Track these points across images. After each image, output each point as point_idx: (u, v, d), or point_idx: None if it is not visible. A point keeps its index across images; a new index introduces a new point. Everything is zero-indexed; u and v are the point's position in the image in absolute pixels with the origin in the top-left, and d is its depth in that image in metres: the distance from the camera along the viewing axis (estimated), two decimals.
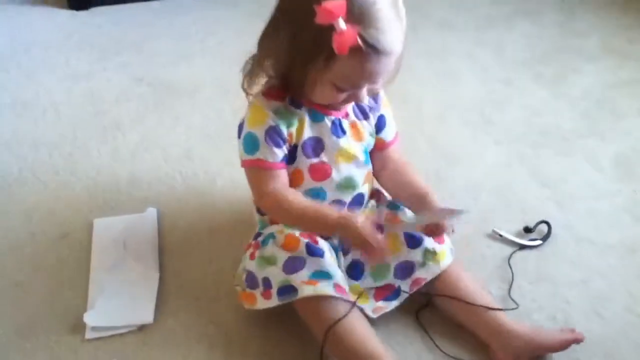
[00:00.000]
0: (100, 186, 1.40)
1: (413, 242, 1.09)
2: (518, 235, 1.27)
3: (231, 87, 1.74)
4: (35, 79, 1.79)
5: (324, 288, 0.99)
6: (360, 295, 1.06)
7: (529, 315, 1.11)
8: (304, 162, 1.05)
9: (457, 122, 1.63)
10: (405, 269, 1.09)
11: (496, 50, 1.96)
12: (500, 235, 1.26)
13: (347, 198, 1.10)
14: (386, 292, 1.09)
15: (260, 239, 1.09)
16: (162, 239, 1.26)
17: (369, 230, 0.96)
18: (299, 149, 1.04)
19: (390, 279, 1.10)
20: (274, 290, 1.01)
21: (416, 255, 1.09)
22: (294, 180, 1.07)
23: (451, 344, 1.06)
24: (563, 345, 1.02)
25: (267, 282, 1.03)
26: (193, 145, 1.54)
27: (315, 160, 1.06)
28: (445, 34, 2.05)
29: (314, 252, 1.02)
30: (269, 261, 1.04)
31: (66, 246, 1.25)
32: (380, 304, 1.08)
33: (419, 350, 1.06)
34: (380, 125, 1.13)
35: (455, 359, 1.04)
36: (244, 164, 1.05)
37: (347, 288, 1.03)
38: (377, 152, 1.14)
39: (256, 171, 1.04)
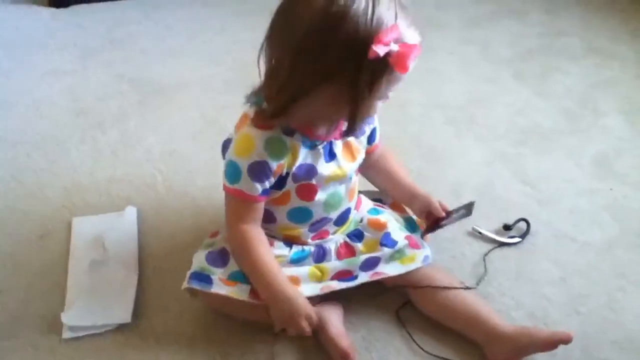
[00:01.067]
0: (79, 185, 1.39)
1: (387, 241, 1.10)
2: (498, 233, 1.27)
3: (215, 86, 1.75)
4: (15, 77, 1.77)
5: (238, 293, 1.01)
6: (322, 273, 1.08)
7: (508, 313, 1.11)
8: (292, 185, 1.03)
9: (440, 120, 1.64)
10: (371, 263, 1.09)
11: (480, 49, 1.97)
12: (480, 233, 1.26)
13: (333, 215, 1.09)
14: (344, 275, 1.08)
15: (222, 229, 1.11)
16: (141, 238, 1.25)
17: (307, 320, 0.98)
18: (290, 176, 1.01)
19: (355, 269, 1.09)
20: (188, 273, 1.04)
21: (385, 254, 1.09)
22: (280, 200, 1.05)
23: (431, 342, 1.07)
24: (550, 345, 1.02)
25: (190, 265, 1.06)
26: (175, 144, 1.53)
27: (304, 182, 1.03)
28: (430, 32, 2.04)
29: None
30: (207, 247, 1.08)
31: (45, 245, 1.24)
32: (333, 283, 1.07)
33: (399, 347, 1.06)
34: (372, 136, 1.12)
35: (435, 356, 1.04)
36: (225, 188, 1.03)
37: None
38: (366, 156, 1.12)
39: (234, 200, 1.02)
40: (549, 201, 1.37)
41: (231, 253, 1.05)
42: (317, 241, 1.10)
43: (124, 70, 1.82)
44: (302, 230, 1.08)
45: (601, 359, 1.05)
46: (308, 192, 1.04)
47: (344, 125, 0.98)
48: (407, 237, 1.12)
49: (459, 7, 2.21)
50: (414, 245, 1.11)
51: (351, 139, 1.06)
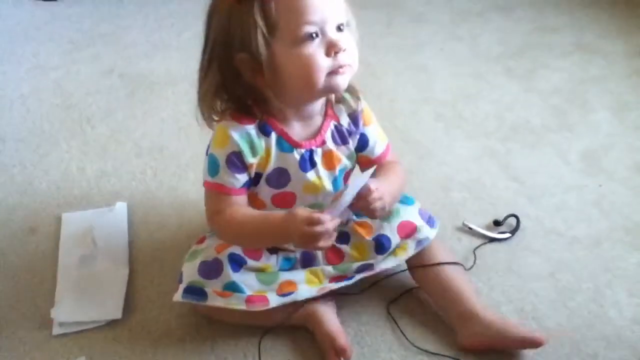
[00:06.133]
0: (69, 180, 1.39)
1: (381, 249, 1.10)
2: (488, 228, 1.28)
3: None
4: (2, 71, 1.76)
5: (235, 303, 1.00)
6: (318, 278, 1.07)
7: (498, 308, 1.12)
8: (266, 192, 1.03)
9: (429, 116, 1.64)
10: (365, 267, 1.10)
11: (469, 44, 1.97)
12: (470, 228, 1.27)
13: None
14: (340, 279, 1.09)
15: (210, 233, 1.09)
16: (132, 234, 1.25)
17: (310, 222, 0.90)
18: (263, 178, 1.01)
19: (349, 273, 1.09)
20: (181, 287, 1.02)
21: (378, 259, 1.10)
22: (256, 206, 1.04)
23: (421, 336, 1.07)
24: (517, 344, 1.02)
25: (180, 276, 1.04)
26: (164, 138, 1.52)
27: (278, 190, 1.03)
28: (419, 28, 2.05)
29: (235, 261, 1.03)
30: (194, 256, 1.05)
31: (34, 241, 1.24)
32: (330, 285, 1.07)
33: (390, 341, 1.07)
34: (362, 145, 1.07)
35: (425, 351, 1.05)
36: (205, 184, 1.02)
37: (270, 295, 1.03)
38: (366, 167, 1.07)
39: (214, 195, 1.01)
40: (538, 197, 1.38)
41: (226, 241, 1.04)
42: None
43: (113, 64, 1.81)
44: None
45: (589, 353, 1.05)
46: (285, 201, 1.03)
47: (324, 132, 1.01)
48: (400, 227, 1.10)
49: (447, 3, 2.21)
50: (406, 235, 1.10)
51: (333, 147, 1.03)
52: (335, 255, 1.11)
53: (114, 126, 1.56)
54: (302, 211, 0.92)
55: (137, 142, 1.51)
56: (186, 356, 1.04)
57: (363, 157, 1.09)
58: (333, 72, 0.92)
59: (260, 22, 0.88)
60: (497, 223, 1.28)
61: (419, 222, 1.12)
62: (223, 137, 0.98)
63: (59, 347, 1.04)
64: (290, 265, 1.09)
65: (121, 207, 1.29)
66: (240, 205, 1.01)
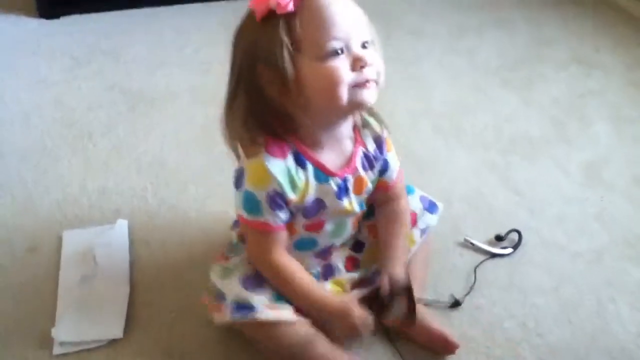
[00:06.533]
0: (69, 197, 1.38)
1: None
2: (489, 243, 1.28)
3: (205, 96, 1.75)
4: (3, 86, 1.76)
5: (285, 314, 0.98)
6: (341, 287, 1.08)
7: (500, 323, 1.12)
8: (300, 220, 1.01)
9: (428, 129, 1.64)
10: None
11: (467, 58, 1.98)
12: (472, 244, 1.27)
13: (338, 242, 1.10)
14: (362, 283, 1.10)
15: (232, 254, 1.08)
16: (132, 252, 1.24)
17: (362, 320, 0.98)
18: (300, 211, 0.99)
19: (369, 275, 1.11)
20: (226, 304, 0.99)
21: None
22: (288, 232, 1.02)
23: (413, 348, 1.07)
24: (438, 339, 1.05)
25: (220, 295, 1.01)
26: (165, 154, 1.52)
27: (312, 219, 1.02)
28: (417, 41, 2.06)
29: None
30: (229, 273, 1.03)
31: (34, 259, 1.23)
32: (355, 293, 1.06)
33: (382, 354, 1.07)
34: (383, 170, 1.07)
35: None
36: (245, 222, 0.98)
37: None
38: (381, 191, 1.09)
39: (258, 234, 0.98)
40: (538, 209, 1.38)
41: (273, 285, 1.01)
42: (323, 262, 1.10)
43: (114, 80, 1.81)
44: (308, 256, 1.07)
45: None
46: (316, 226, 1.03)
47: (355, 158, 1.01)
48: None
49: (445, 16, 2.22)
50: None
51: (362, 174, 1.03)
52: (352, 264, 1.12)
53: (115, 142, 1.56)
54: (358, 310, 0.97)
55: (138, 157, 1.51)
56: None
57: (382, 181, 1.08)
58: (358, 86, 0.91)
59: (285, 38, 0.88)
60: (499, 238, 1.28)
61: (418, 210, 1.14)
62: (262, 174, 0.94)
63: None
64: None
65: (122, 224, 1.29)
66: (283, 242, 1.00)
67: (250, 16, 0.92)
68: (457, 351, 1.06)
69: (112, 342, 1.07)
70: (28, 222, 1.32)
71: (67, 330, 1.07)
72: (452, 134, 1.63)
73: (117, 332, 1.08)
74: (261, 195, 0.94)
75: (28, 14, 2.13)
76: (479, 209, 1.38)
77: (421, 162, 1.52)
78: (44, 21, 2.10)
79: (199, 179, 1.44)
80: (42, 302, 1.14)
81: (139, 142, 1.56)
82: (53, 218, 1.33)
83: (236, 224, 1.11)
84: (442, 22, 2.18)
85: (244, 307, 0.97)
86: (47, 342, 1.06)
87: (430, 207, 1.17)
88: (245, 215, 0.97)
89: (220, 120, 0.98)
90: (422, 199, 1.17)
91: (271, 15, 0.88)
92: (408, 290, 1.01)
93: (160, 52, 1.97)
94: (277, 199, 0.95)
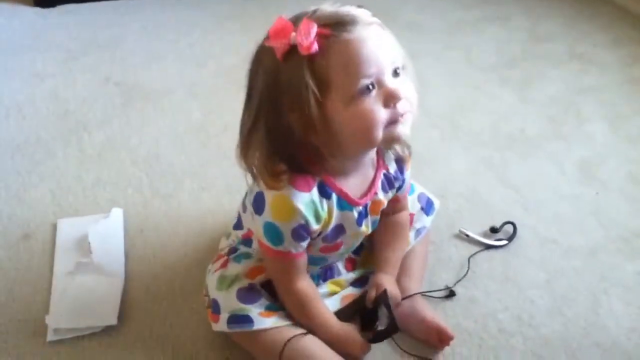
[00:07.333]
0: (64, 187, 1.38)
1: None
2: (484, 235, 1.28)
3: (199, 90, 1.75)
4: None
5: (281, 321, 0.99)
6: (340, 286, 1.09)
7: (494, 315, 1.12)
8: (318, 244, 1.00)
9: (424, 125, 1.64)
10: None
11: (464, 54, 1.98)
12: (467, 235, 1.27)
13: (344, 257, 1.11)
14: (360, 281, 1.11)
15: (233, 255, 1.07)
16: (127, 241, 1.24)
17: (361, 350, 1.01)
18: (321, 237, 0.98)
19: (367, 274, 1.12)
20: (223, 316, 0.99)
21: None
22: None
23: (412, 341, 1.07)
24: (433, 330, 1.05)
25: (216, 305, 1.01)
26: (160, 147, 1.52)
27: (331, 243, 1.01)
28: (414, 38, 2.06)
29: (268, 287, 1.02)
30: (226, 283, 1.01)
31: (29, 247, 1.23)
32: (349, 290, 1.09)
33: (384, 349, 1.06)
34: (399, 187, 1.06)
35: (415, 356, 1.05)
36: (266, 250, 0.96)
37: None
38: (390, 204, 1.07)
39: (280, 262, 0.97)
40: (534, 206, 1.38)
41: (288, 308, 1.01)
42: (324, 267, 1.10)
43: (109, 72, 1.81)
44: (314, 268, 1.07)
45: None
46: (332, 248, 1.03)
47: (377, 183, 0.99)
48: None
49: (442, 13, 2.23)
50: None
51: (381, 196, 1.01)
52: (352, 265, 1.13)
53: (110, 134, 1.56)
54: (362, 341, 1.01)
55: (133, 150, 1.51)
56: None
57: (394, 196, 1.06)
58: (392, 122, 0.86)
59: (310, 82, 0.82)
60: (493, 230, 1.29)
61: (416, 211, 1.15)
62: (287, 209, 0.90)
63: (54, 354, 1.03)
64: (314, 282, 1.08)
65: (117, 213, 1.29)
66: (304, 267, 0.99)
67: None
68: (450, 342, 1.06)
69: (106, 329, 1.07)
70: (22, 211, 1.31)
71: (61, 317, 1.07)
72: (448, 131, 1.63)
73: (111, 319, 1.07)
74: (286, 230, 0.91)
75: (23, 2, 2.13)
76: (475, 205, 1.38)
77: (418, 158, 1.48)
78: (39, 10, 2.10)
79: (194, 172, 1.44)
80: (36, 289, 1.14)
81: (133, 135, 1.56)
82: (47, 208, 1.32)
83: (239, 225, 1.10)
84: (439, 18, 2.19)
85: (241, 319, 0.98)
86: (41, 329, 1.06)
87: (427, 207, 1.17)
88: (266, 242, 0.94)
89: (236, 150, 0.92)
90: (420, 197, 1.18)
91: (293, 51, 0.82)
92: (386, 300, 1.01)
93: (156, 45, 1.96)
94: (302, 232, 0.92)
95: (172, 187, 1.40)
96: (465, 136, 1.61)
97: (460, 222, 1.32)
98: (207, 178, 1.42)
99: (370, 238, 1.11)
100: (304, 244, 0.95)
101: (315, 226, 0.93)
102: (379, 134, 0.86)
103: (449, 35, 2.09)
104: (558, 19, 2.19)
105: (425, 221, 1.17)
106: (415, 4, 2.27)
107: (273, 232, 0.92)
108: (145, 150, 1.51)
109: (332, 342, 1.00)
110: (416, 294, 1.09)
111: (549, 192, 1.43)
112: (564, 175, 1.49)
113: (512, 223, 1.29)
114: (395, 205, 1.09)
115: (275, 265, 0.99)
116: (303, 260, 0.98)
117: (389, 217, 1.10)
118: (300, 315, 1.01)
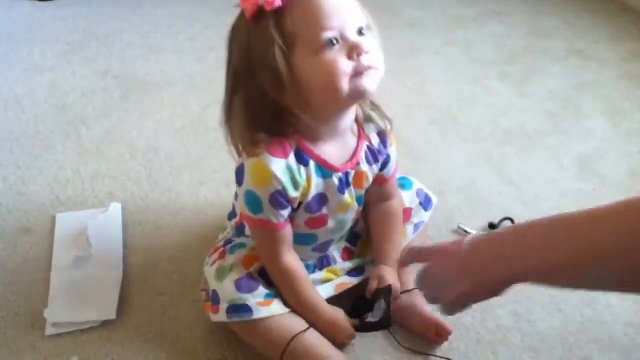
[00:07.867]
0: (63, 181, 1.38)
1: None
2: (483, 231, 1.28)
3: (198, 83, 1.75)
4: None
5: (279, 309, 1.00)
6: (335, 274, 1.10)
7: (492, 310, 1.12)
8: (303, 215, 1.00)
9: (424, 120, 1.65)
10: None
11: (464, 49, 1.98)
12: (465, 231, 1.27)
13: (337, 237, 1.10)
14: (356, 271, 1.12)
15: (229, 246, 1.07)
16: (126, 235, 1.24)
17: (346, 335, 1.03)
18: (303, 206, 0.98)
19: (364, 264, 1.13)
20: (222, 306, 0.99)
21: None
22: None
23: (411, 337, 1.08)
24: (430, 324, 1.06)
25: (215, 296, 1.01)
26: (159, 140, 1.52)
27: (315, 214, 1.01)
28: (414, 32, 2.06)
29: (265, 275, 1.02)
30: (224, 275, 1.02)
31: (28, 241, 1.23)
32: (344, 278, 1.09)
33: (382, 343, 1.07)
34: (384, 164, 1.07)
35: (414, 351, 1.05)
36: (248, 220, 0.99)
37: None
38: (376, 186, 1.08)
39: (262, 231, 0.98)
40: (533, 201, 1.38)
41: (276, 285, 1.02)
42: (319, 254, 1.10)
43: (108, 65, 1.80)
44: (306, 250, 1.07)
45: (582, 356, 1.06)
46: (318, 222, 1.03)
47: (359, 152, 1.00)
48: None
49: (442, 8, 2.22)
50: (404, 220, 1.14)
51: (365, 168, 1.02)
52: (348, 254, 1.14)
53: (109, 127, 1.56)
54: (348, 327, 1.03)
55: (132, 143, 1.50)
56: (179, 357, 1.04)
57: (380, 175, 1.07)
58: (357, 75, 0.88)
59: (277, 37, 0.86)
60: (491, 226, 1.29)
61: (415, 205, 1.16)
62: (263, 175, 0.92)
63: (52, 348, 1.04)
64: (308, 270, 1.08)
65: (115, 207, 1.29)
66: (288, 240, 1.00)
67: (242, 15, 0.90)
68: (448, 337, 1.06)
69: (105, 323, 1.07)
70: (21, 205, 1.31)
71: (59, 311, 1.07)
72: (448, 126, 1.63)
73: (109, 313, 1.07)
74: (263, 195, 0.93)
75: None
76: (473, 200, 1.38)
77: (417, 153, 1.52)
78: (38, 2, 2.09)
79: (193, 165, 1.44)
80: (35, 283, 1.14)
81: (132, 128, 1.56)
82: (46, 201, 1.32)
83: (233, 214, 1.11)
84: (438, 14, 2.19)
85: (240, 308, 0.98)
86: (39, 322, 1.06)
87: (425, 203, 1.18)
88: (247, 212, 0.96)
89: (220, 120, 0.96)
90: (419, 192, 1.18)
91: (261, 13, 0.86)
92: (388, 295, 1.02)
93: (155, 38, 1.96)
94: (280, 198, 0.94)
95: (171, 181, 1.40)
96: (464, 130, 1.61)
97: (459, 217, 1.32)
98: (205, 171, 1.42)
99: (366, 229, 1.13)
100: (284, 212, 0.96)
101: (293, 193, 0.94)
102: (344, 85, 0.87)
103: (449, 30, 2.09)
104: (557, 14, 2.19)
105: (423, 216, 1.18)
106: (416, 0, 2.26)
107: (252, 199, 0.94)
108: (143, 143, 1.51)
109: (318, 324, 1.01)
110: (415, 288, 1.10)
111: (548, 187, 1.43)
112: (563, 170, 1.49)
113: (510, 219, 1.29)
114: (383, 187, 1.09)
115: (260, 237, 1.00)
116: (286, 231, 0.99)
117: (379, 206, 1.11)
118: (288, 293, 1.01)
